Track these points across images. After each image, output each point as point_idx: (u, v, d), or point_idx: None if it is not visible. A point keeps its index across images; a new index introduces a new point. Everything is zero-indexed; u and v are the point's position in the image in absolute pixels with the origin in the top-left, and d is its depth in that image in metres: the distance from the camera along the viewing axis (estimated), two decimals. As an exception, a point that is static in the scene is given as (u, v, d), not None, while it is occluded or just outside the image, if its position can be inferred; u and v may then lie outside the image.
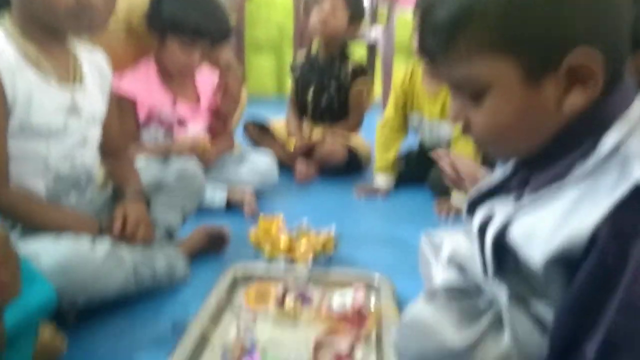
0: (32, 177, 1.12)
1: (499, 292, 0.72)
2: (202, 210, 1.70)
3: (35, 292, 0.78)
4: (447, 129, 1.90)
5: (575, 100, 0.58)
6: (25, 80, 1.07)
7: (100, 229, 1.17)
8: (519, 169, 0.74)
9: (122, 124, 1.48)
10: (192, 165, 1.45)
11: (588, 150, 0.58)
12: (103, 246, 1.09)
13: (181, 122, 1.88)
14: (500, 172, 0.78)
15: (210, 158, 1.87)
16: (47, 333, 0.85)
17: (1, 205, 1.07)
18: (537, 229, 0.60)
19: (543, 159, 0.64)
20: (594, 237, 0.53)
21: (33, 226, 1.10)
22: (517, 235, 0.63)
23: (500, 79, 0.59)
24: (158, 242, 1.28)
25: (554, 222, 0.58)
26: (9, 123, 1.05)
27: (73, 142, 1.17)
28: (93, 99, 1.23)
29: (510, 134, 0.63)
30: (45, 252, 1.01)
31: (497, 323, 0.70)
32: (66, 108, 1.14)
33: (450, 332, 0.69)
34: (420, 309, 0.74)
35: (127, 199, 1.26)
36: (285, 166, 2.22)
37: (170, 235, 1.35)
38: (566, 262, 0.56)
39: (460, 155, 1.29)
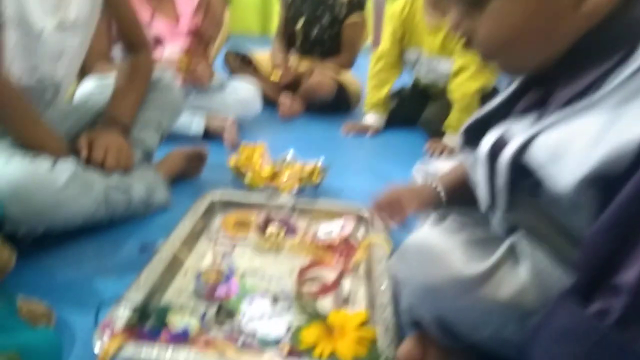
0: None
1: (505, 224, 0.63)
2: (178, 138, 1.57)
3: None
4: (447, 65, 1.77)
5: None
6: None
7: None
8: (526, 89, 0.64)
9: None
10: (167, 76, 1.30)
11: (623, 59, 0.49)
12: (66, 168, 0.95)
13: (158, 41, 1.71)
14: (499, 96, 0.68)
15: (203, 75, 1.71)
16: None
17: None
18: (568, 146, 0.50)
19: (564, 73, 0.54)
20: None
21: (7, 128, 0.97)
22: (541, 154, 0.53)
23: None
24: (135, 165, 1.15)
25: (590, 136, 0.48)
26: None
27: (45, 54, 1.03)
28: (76, 4, 1.06)
29: (520, 41, 0.54)
30: None
31: (512, 254, 0.61)
32: (46, 14, 0.99)
33: (462, 260, 0.60)
34: (426, 234, 0.64)
35: (99, 124, 1.12)
36: (269, 101, 2.08)
37: (147, 156, 1.22)
38: (604, 180, 0.47)
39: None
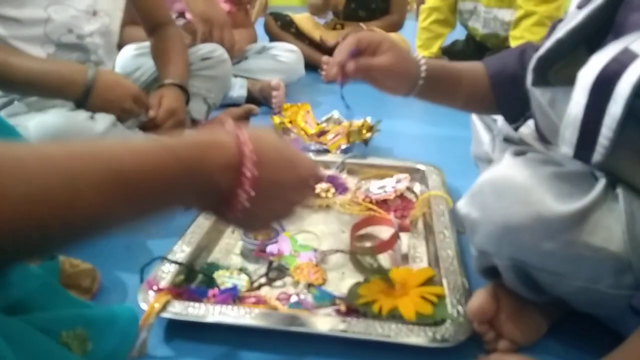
0: (31, 44, 0.95)
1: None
2: (221, 104, 1.52)
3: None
4: (508, 14, 1.62)
5: None
6: None
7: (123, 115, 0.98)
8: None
9: None
10: (219, 50, 1.26)
11: None
12: (105, 117, 0.92)
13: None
14: (571, 21, 0.57)
15: (230, 47, 1.65)
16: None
17: None
18: None
19: None
20: None
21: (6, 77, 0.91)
22: None
23: None
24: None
25: None
26: None
27: (78, 10, 0.99)
28: None
29: None
30: (34, 122, 0.85)
31: (610, 194, 0.51)
32: None
33: (550, 196, 0.51)
34: (505, 167, 0.55)
35: (165, 85, 1.08)
36: (311, 65, 1.99)
37: (194, 124, 1.18)
38: None
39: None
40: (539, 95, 0.60)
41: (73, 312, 0.47)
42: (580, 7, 0.58)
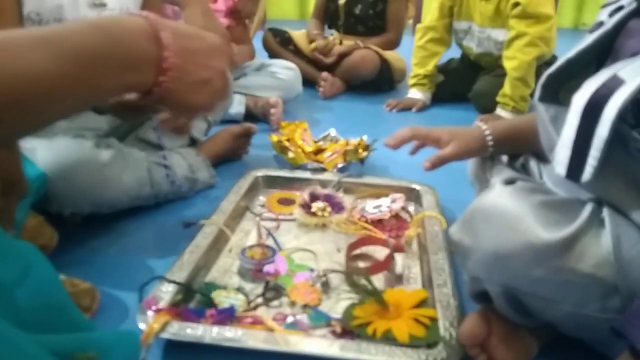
0: None
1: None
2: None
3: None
4: (501, 34, 1.66)
5: None
6: None
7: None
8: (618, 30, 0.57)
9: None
10: None
11: None
12: (109, 145, 0.94)
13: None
14: (582, 43, 0.60)
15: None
16: (33, 223, 0.72)
17: None
18: None
19: None
20: None
21: None
22: None
23: None
24: (179, 148, 1.13)
25: None
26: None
27: None
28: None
29: None
30: (42, 150, 0.84)
31: (596, 219, 0.54)
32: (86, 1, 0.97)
33: (538, 224, 0.53)
34: (496, 196, 0.57)
35: None
36: (309, 81, 2.02)
37: (193, 142, 1.20)
38: None
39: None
40: (542, 111, 0.63)
41: (85, 334, 0.48)
42: (591, 31, 0.61)
